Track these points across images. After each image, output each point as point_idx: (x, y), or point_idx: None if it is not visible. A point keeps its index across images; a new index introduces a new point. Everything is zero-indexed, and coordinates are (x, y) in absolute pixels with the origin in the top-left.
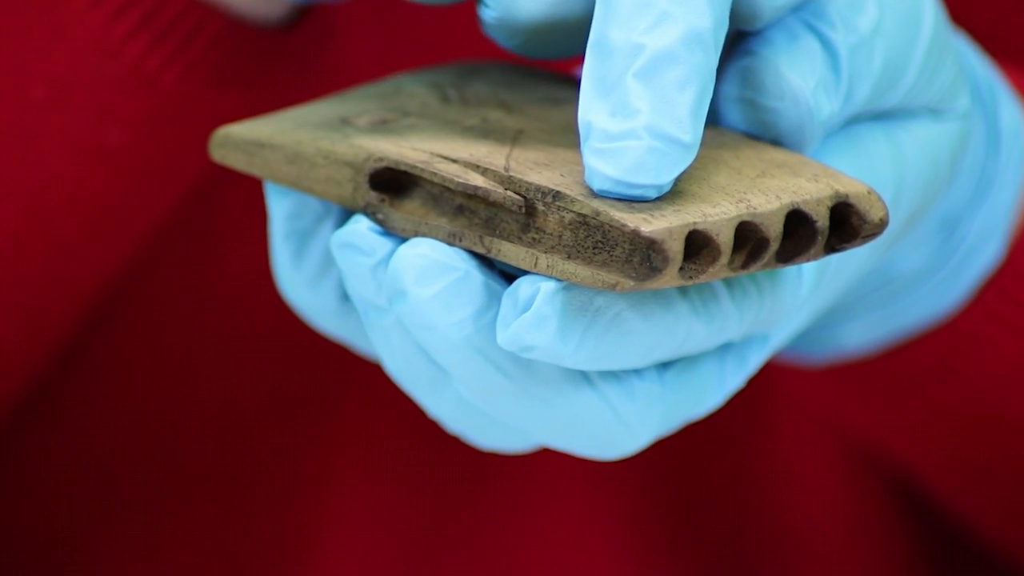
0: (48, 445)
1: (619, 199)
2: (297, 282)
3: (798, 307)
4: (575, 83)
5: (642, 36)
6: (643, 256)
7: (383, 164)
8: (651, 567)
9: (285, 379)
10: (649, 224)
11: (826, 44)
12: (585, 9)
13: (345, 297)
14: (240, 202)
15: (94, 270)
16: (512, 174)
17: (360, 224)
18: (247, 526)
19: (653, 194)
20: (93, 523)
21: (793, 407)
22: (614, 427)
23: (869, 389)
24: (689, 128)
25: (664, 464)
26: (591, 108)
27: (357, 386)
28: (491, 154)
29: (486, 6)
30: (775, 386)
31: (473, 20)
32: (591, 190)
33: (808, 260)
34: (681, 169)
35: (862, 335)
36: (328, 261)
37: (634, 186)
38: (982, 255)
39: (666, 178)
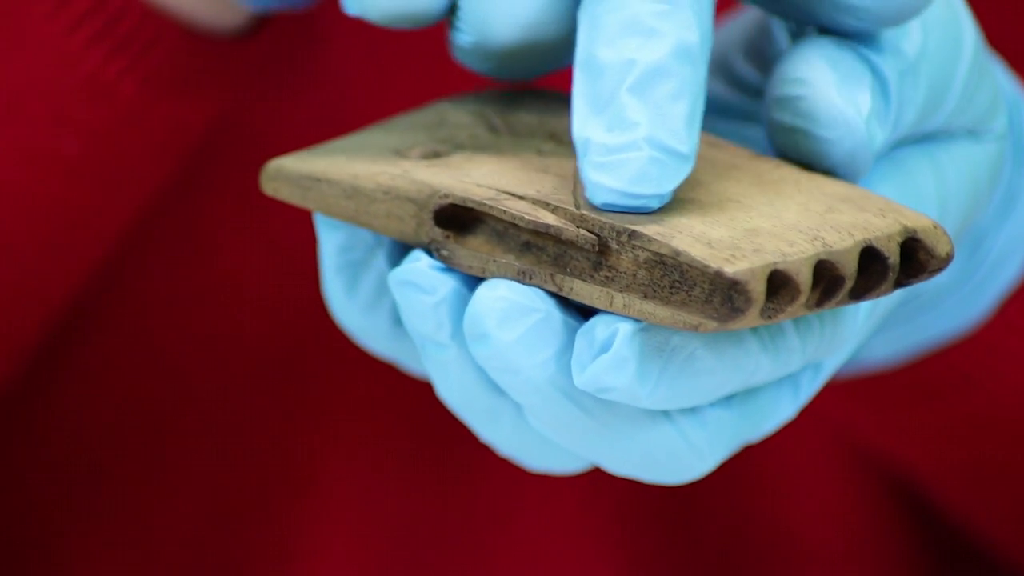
0: (36, 449)
1: (626, 211)
2: (351, 310)
3: (854, 337)
4: None
5: (632, 52)
6: (724, 296)
7: (448, 201)
8: (645, 568)
9: (274, 381)
10: (732, 264)
11: (875, 71)
12: (559, 32)
13: (398, 322)
14: (227, 200)
15: (54, 281)
16: (584, 212)
17: (420, 262)
18: (237, 528)
19: (656, 204)
20: (81, 524)
21: None
22: (686, 455)
23: (886, 399)
24: (686, 139)
25: None
26: (587, 125)
27: (347, 388)
28: (557, 190)
29: (460, 31)
30: None
31: None
32: (662, 228)
33: (878, 296)
34: (681, 179)
35: (884, 349)
36: (381, 289)
37: (638, 196)
38: (1006, 270)
39: (668, 187)
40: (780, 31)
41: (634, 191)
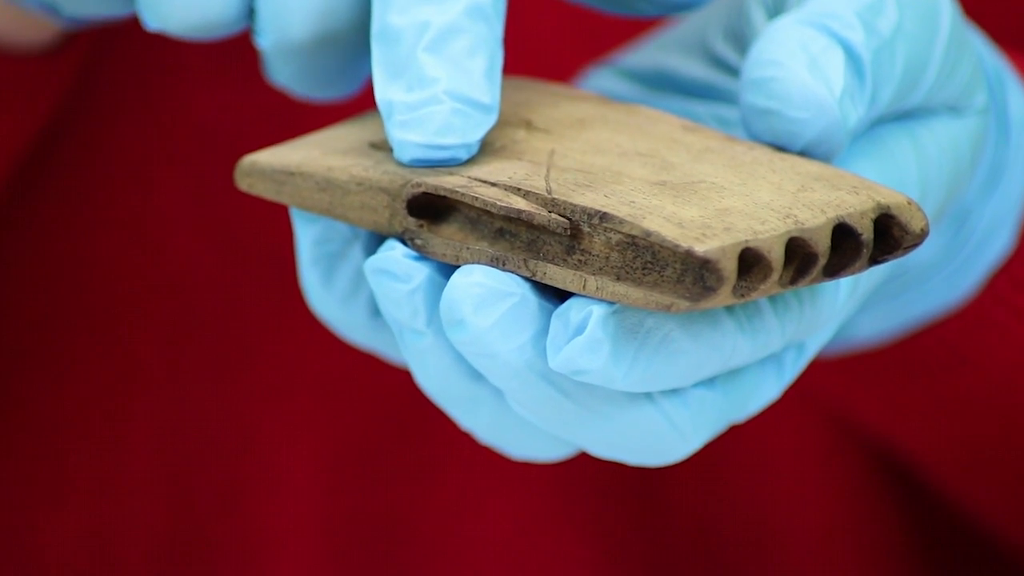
0: (4, 442)
1: (436, 164)
2: (328, 302)
3: (835, 316)
4: (593, 99)
5: (426, 15)
6: (696, 276)
7: (421, 190)
8: (624, 551)
9: (237, 373)
10: (702, 243)
11: (848, 50)
12: (354, 17)
13: (376, 312)
14: (179, 194)
15: None
16: (555, 196)
17: (395, 251)
18: (200, 524)
19: (464, 155)
20: (40, 522)
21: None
22: (669, 436)
23: (875, 377)
24: (486, 90)
25: None
26: (388, 88)
27: (308, 381)
28: (529, 176)
29: (261, 34)
30: None
31: None
32: (634, 210)
33: (853, 273)
34: (486, 130)
35: (873, 326)
36: (358, 280)
37: (444, 148)
38: (993, 244)
39: (473, 137)
40: (757, 11)
41: (440, 143)
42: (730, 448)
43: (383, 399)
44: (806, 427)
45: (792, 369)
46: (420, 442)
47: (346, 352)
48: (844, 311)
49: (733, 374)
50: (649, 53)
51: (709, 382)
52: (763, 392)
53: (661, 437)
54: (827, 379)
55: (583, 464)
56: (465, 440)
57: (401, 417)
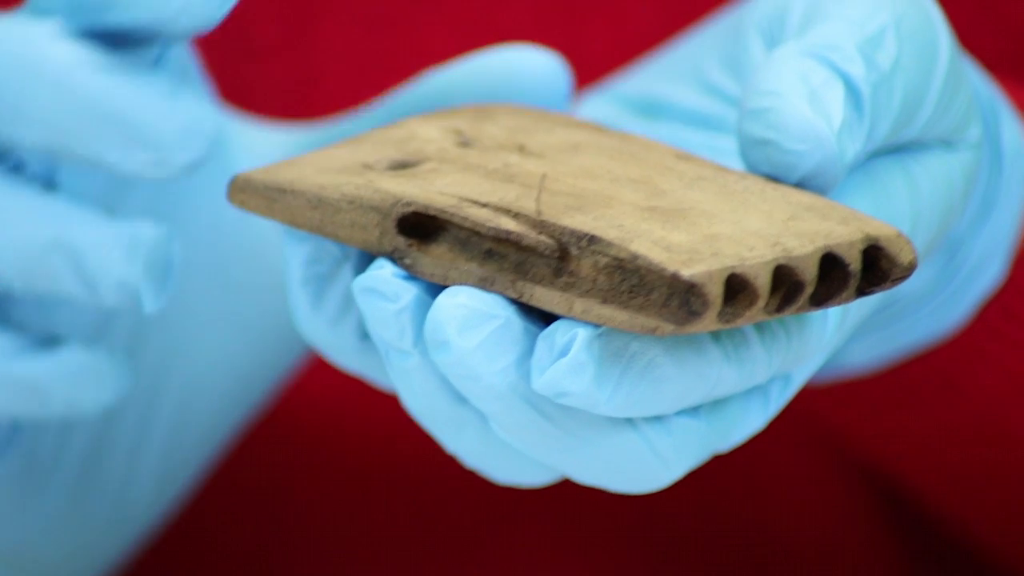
0: None
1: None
2: (317, 324)
3: (823, 349)
4: (589, 127)
5: None
6: (682, 300)
7: (411, 209)
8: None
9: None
10: (689, 268)
11: (849, 83)
12: None
13: (365, 335)
14: None
15: None
16: (545, 218)
17: (384, 270)
18: (217, 537)
19: None
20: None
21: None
22: (651, 463)
23: (870, 405)
24: None
25: None
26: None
27: (319, 413)
28: (520, 198)
29: None
30: None
31: None
32: (622, 233)
33: (840, 303)
34: None
35: (863, 354)
36: (347, 303)
37: None
38: (984, 275)
39: None
40: (755, 39)
41: None
42: (723, 471)
43: (382, 421)
44: (799, 450)
45: (778, 401)
46: (421, 468)
47: (346, 379)
48: (832, 343)
49: (718, 403)
50: (643, 80)
51: (693, 411)
52: (747, 423)
53: (643, 464)
54: (819, 403)
55: (577, 489)
56: (461, 468)
57: (402, 441)
